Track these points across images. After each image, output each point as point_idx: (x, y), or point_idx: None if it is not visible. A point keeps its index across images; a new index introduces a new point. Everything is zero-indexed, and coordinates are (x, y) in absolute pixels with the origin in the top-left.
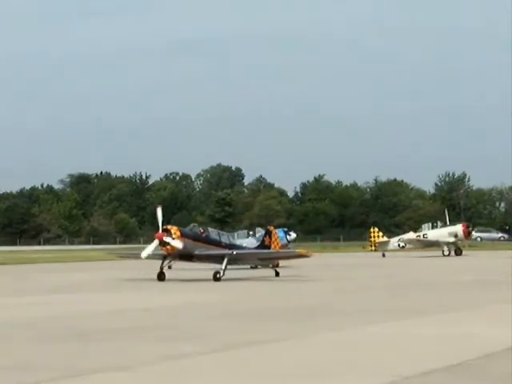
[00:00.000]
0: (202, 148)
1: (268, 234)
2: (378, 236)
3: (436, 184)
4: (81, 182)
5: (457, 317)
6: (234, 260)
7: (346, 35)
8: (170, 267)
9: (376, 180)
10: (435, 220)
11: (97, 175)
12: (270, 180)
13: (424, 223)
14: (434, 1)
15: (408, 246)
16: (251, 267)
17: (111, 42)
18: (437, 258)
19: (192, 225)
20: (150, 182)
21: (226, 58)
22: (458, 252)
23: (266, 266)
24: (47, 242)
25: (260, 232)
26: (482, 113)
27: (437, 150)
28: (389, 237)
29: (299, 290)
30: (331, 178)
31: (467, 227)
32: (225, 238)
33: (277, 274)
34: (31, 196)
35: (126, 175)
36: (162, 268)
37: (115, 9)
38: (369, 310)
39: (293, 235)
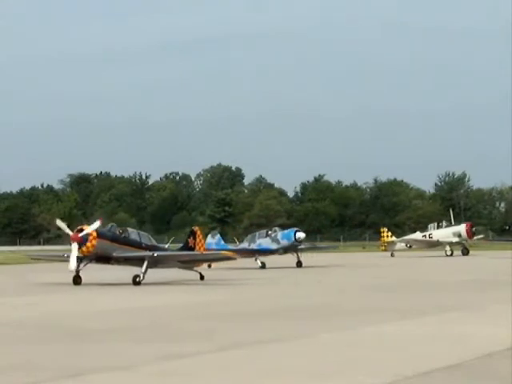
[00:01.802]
0: (202, 148)
1: (192, 234)
2: (388, 236)
3: (436, 184)
4: (81, 182)
5: (457, 317)
6: (154, 262)
7: (347, 35)
8: (209, 266)
9: (376, 180)
10: (440, 220)
11: (97, 175)
12: (269, 180)
13: (423, 223)
14: (434, 0)
15: (414, 246)
16: (260, 267)
17: (111, 42)
18: (440, 257)
19: (110, 225)
20: (150, 182)
21: (226, 58)
22: (465, 252)
23: (190, 269)
24: (47, 242)
25: (276, 232)
26: (482, 113)
27: (437, 150)
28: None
29: (299, 290)
30: (331, 178)
31: (471, 227)
32: (145, 238)
33: (201, 277)
34: (31, 196)
35: (126, 175)
36: (77, 271)
37: (114, 9)
38: (369, 309)
39: (301, 235)
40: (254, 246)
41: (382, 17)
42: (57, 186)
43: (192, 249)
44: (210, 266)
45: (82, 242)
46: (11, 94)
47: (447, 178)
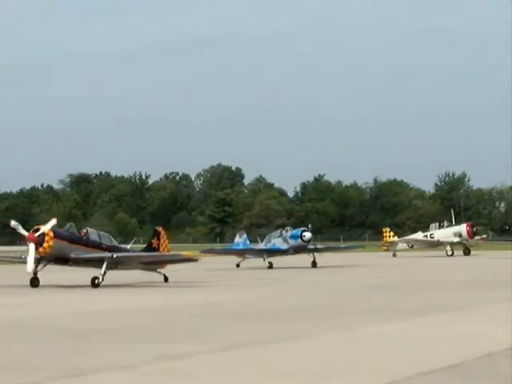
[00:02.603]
0: (202, 148)
1: (156, 235)
2: (390, 236)
3: (436, 184)
4: (81, 182)
5: (457, 317)
6: (114, 264)
7: (347, 35)
8: (238, 265)
9: (376, 180)
10: (440, 220)
11: (97, 175)
12: (269, 180)
13: (423, 223)
14: (434, 1)
15: (416, 246)
16: (268, 267)
17: (111, 42)
18: (441, 257)
19: (69, 225)
20: (150, 182)
21: (226, 58)
22: (466, 252)
23: (153, 270)
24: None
25: (287, 232)
26: (482, 113)
27: (437, 150)
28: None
29: (301, 291)
30: (331, 177)
31: (472, 227)
32: (106, 239)
33: (165, 279)
34: (31, 196)
35: (126, 175)
36: (35, 273)
37: (114, 9)
38: (368, 309)
39: (307, 235)
40: (269, 246)
41: (381, 17)
42: (57, 185)
43: (156, 250)
44: (238, 266)
45: (38, 243)
46: (11, 94)
47: (447, 178)
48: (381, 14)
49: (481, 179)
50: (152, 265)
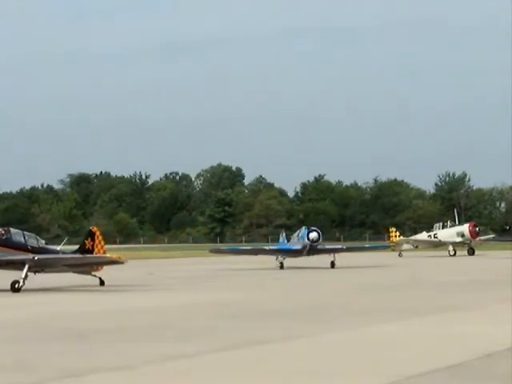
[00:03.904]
0: (202, 148)
1: (90, 235)
2: (396, 236)
3: (436, 184)
4: (81, 181)
5: (457, 317)
6: (40, 266)
7: (347, 35)
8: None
9: (376, 180)
10: (441, 220)
11: (97, 175)
12: (269, 180)
13: (423, 223)
14: (434, 1)
15: (420, 246)
16: (279, 268)
17: (111, 42)
18: (444, 257)
19: None
20: (150, 182)
21: (226, 58)
22: (471, 252)
23: (87, 273)
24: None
25: (301, 232)
26: (482, 113)
27: (437, 149)
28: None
29: (304, 291)
30: (331, 177)
31: (474, 227)
32: (32, 241)
33: (101, 282)
34: (31, 196)
35: (126, 175)
36: None
37: (114, 9)
38: (369, 310)
39: (314, 235)
40: (283, 246)
41: (381, 17)
42: (57, 185)
43: (90, 251)
44: (282, 267)
45: None
46: (11, 94)
47: (447, 178)
48: (381, 13)
49: (481, 179)
50: (79, 267)
